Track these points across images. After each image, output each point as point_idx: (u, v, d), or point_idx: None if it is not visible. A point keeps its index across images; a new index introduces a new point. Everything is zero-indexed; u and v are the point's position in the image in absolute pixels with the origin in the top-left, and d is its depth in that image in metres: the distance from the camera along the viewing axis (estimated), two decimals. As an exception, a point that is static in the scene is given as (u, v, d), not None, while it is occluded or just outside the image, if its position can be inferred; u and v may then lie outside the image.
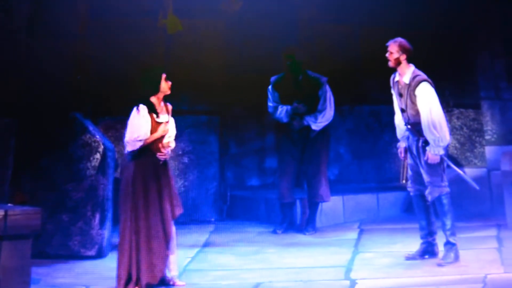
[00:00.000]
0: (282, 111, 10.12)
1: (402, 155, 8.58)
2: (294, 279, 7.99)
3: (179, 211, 7.83)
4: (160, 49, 11.27)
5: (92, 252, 9.01)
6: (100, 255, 9.02)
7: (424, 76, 8.39)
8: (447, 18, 11.92)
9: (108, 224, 9.16)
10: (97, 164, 9.13)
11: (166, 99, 7.93)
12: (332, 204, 10.54)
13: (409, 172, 8.57)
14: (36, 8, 9.50)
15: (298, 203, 10.47)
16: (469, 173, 11.22)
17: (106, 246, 9.12)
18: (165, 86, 7.84)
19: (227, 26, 11.51)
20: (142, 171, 7.68)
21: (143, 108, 7.73)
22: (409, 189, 8.63)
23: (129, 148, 7.69)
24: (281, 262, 8.79)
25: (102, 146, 9.18)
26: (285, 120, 10.13)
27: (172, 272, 7.81)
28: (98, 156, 9.15)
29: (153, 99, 7.79)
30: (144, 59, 11.02)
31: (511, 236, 9.41)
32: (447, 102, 12.45)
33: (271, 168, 11.66)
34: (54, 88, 9.35)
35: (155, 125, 7.73)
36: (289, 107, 10.11)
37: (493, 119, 11.70)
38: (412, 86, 8.33)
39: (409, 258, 8.52)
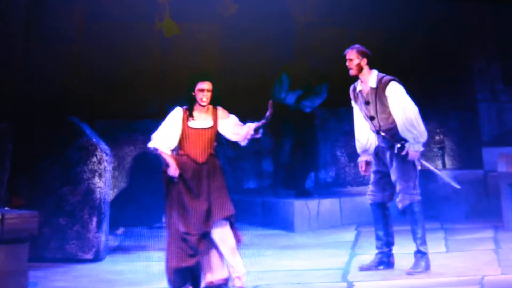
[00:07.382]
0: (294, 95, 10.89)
1: (363, 168, 8.25)
2: (292, 282, 7.98)
3: (221, 214, 7.40)
4: (157, 52, 11.29)
5: (89, 256, 9.00)
6: (97, 258, 9.01)
7: (390, 76, 8.03)
8: (443, 22, 11.95)
9: (105, 228, 9.15)
10: (94, 167, 9.12)
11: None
12: (329, 206, 10.54)
13: (371, 180, 8.23)
14: (32, 13, 9.49)
15: (293, 205, 10.53)
16: (466, 174, 11.27)
17: (103, 249, 9.11)
18: (198, 95, 7.35)
19: (223, 29, 11.53)
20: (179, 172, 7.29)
21: (175, 111, 7.37)
22: (368, 197, 8.30)
23: (150, 143, 7.30)
24: (278, 264, 8.79)
25: (99, 150, 9.17)
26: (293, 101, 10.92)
27: (234, 274, 7.46)
28: (95, 159, 9.14)
29: (195, 104, 7.35)
30: (141, 62, 11.04)
31: (508, 238, 9.42)
32: (444, 104, 12.49)
33: (268, 171, 11.65)
34: (50, 92, 9.35)
35: (188, 130, 7.32)
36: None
37: (490, 121, 11.73)
38: (381, 87, 7.96)
39: (363, 269, 8.26)
